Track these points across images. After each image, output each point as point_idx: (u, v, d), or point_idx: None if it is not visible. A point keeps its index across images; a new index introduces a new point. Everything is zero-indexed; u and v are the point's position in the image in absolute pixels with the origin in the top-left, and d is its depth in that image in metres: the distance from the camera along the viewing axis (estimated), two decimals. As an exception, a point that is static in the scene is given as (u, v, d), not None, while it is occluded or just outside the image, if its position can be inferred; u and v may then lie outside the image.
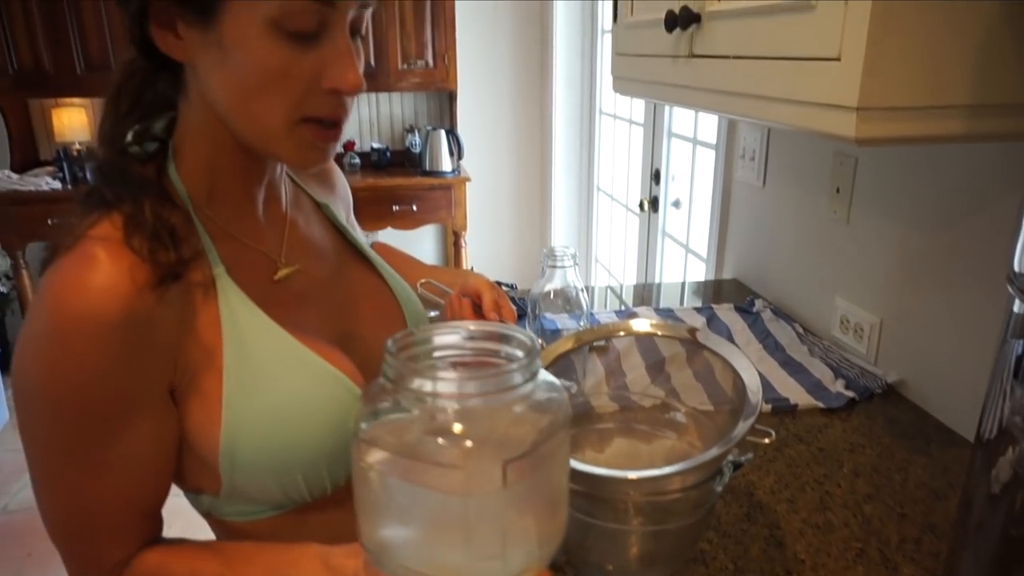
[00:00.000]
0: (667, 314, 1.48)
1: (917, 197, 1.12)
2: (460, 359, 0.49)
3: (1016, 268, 0.59)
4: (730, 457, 0.69)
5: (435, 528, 0.45)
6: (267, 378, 0.64)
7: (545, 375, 0.46)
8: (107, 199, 0.61)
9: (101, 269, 0.56)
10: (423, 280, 0.96)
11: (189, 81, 0.63)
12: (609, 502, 0.69)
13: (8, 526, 2.45)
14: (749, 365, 0.76)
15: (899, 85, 0.70)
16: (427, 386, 0.43)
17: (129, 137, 0.64)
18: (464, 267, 3.67)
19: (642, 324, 0.89)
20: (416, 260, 1.09)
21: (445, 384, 0.43)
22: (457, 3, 3.39)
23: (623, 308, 1.57)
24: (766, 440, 0.67)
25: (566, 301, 1.07)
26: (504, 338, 0.48)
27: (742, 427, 0.65)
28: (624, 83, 1.38)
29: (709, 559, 0.78)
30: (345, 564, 0.57)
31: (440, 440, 0.42)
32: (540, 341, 0.55)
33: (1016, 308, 0.56)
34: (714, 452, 0.64)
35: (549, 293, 1.07)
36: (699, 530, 0.74)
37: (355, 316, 0.78)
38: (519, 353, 0.46)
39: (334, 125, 0.63)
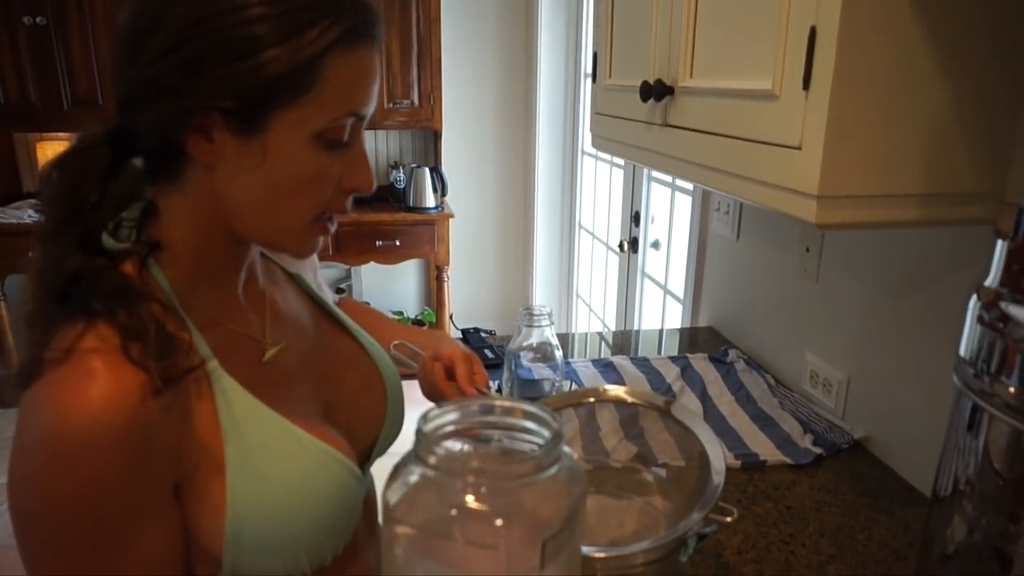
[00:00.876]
0: (643, 364, 1.52)
1: (882, 262, 1.16)
2: (487, 435, 0.52)
3: (961, 354, 0.62)
4: (695, 529, 0.72)
5: None
6: (269, 467, 0.65)
7: (565, 449, 0.49)
8: (97, 311, 0.58)
9: (101, 381, 0.55)
10: (396, 342, 0.98)
11: (192, 177, 0.62)
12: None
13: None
14: (717, 446, 0.79)
15: (856, 174, 0.74)
16: (458, 465, 0.45)
17: (106, 236, 0.62)
18: (446, 301, 3.70)
19: (617, 391, 0.92)
20: (387, 318, 1.12)
21: (476, 461, 0.45)
22: (444, 44, 3.46)
23: (599, 357, 1.60)
24: (728, 519, 0.69)
25: (542, 357, 1.10)
26: (530, 416, 0.50)
27: (696, 516, 0.68)
28: (601, 141, 1.42)
29: (677, 624, 0.81)
30: None
31: (473, 518, 0.44)
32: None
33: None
34: (675, 534, 0.67)
35: (526, 349, 1.11)
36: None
37: (338, 385, 0.80)
38: (545, 433, 0.49)
39: (334, 218, 0.68)
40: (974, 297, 0.60)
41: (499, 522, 0.44)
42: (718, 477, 0.72)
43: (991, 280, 0.59)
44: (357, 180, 0.65)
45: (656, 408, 0.89)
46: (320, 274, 0.97)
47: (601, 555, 0.65)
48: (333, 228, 0.68)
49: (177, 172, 0.63)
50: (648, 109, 1.14)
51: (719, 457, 0.76)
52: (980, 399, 0.59)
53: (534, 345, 1.11)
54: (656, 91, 1.06)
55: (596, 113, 1.44)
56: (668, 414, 0.86)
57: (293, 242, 0.67)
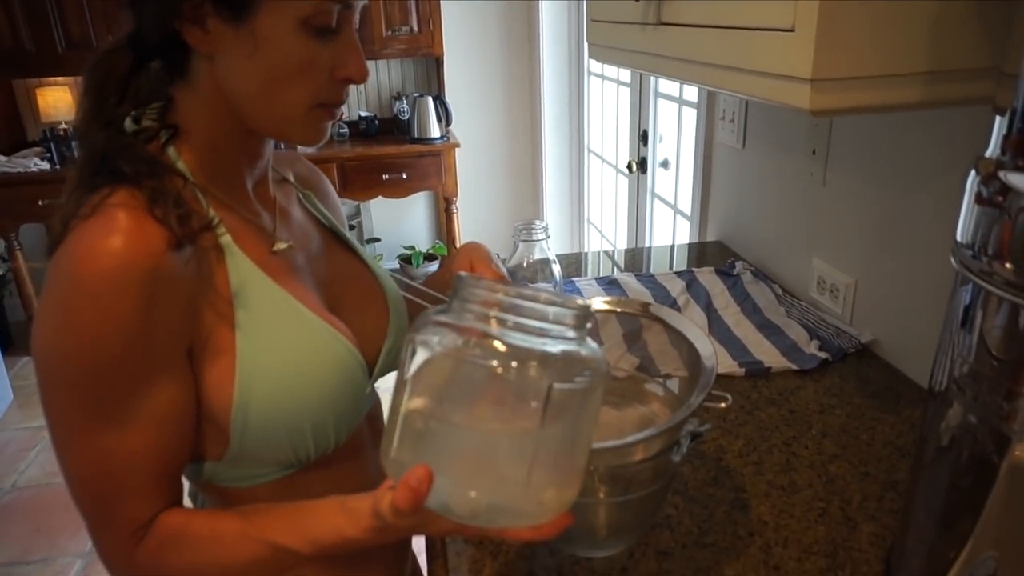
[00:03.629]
0: (648, 279, 1.50)
1: (890, 158, 1.12)
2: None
3: (958, 238, 0.60)
4: (688, 427, 0.71)
5: (472, 445, 0.49)
6: (276, 336, 0.69)
7: (592, 342, 0.51)
8: (125, 174, 0.63)
9: (126, 230, 0.59)
10: (406, 286, 0.96)
11: (198, 69, 0.67)
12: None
13: (16, 502, 2.52)
14: (700, 334, 0.78)
15: (853, 55, 0.70)
16: (488, 296, 0.49)
17: (129, 121, 0.68)
18: (456, 233, 3.68)
19: (596, 303, 0.90)
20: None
21: (510, 298, 0.48)
22: (440, -35, 3.33)
23: (602, 275, 1.59)
24: (722, 404, 0.68)
25: (538, 273, 1.09)
26: (558, 303, 0.52)
27: (696, 398, 0.67)
28: (599, 50, 1.37)
29: (675, 523, 0.81)
30: (360, 505, 0.59)
31: (491, 352, 0.48)
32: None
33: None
34: (668, 424, 0.66)
35: (522, 264, 1.09)
36: (661, 498, 0.77)
37: (340, 293, 0.81)
38: (576, 308, 0.51)
39: (337, 106, 0.70)
40: (972, 175, 0.57)
41: (514, 364, 0.47)
42: (709, 361, 0.71)
43: (990, 152, 0.55)
44: (350, 68, 0.66)
45: (639, 314, 0.87)
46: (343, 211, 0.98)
47: (596, 446, 0.64)
48: (338, 114, 0.70)
49: (186, 67, 0.67)
50: (642, 8, 1.09)
51: (706, 345, 0.75)
52: (979, 279, 0.56)
53: (531, 260, 1.10)
54: (648, -14, 1.01)
55: (592, 21, 1.38)
56: (649, 315, 0.85)
57: (298, 129, 0.69)
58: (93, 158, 0.65)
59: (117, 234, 0.59)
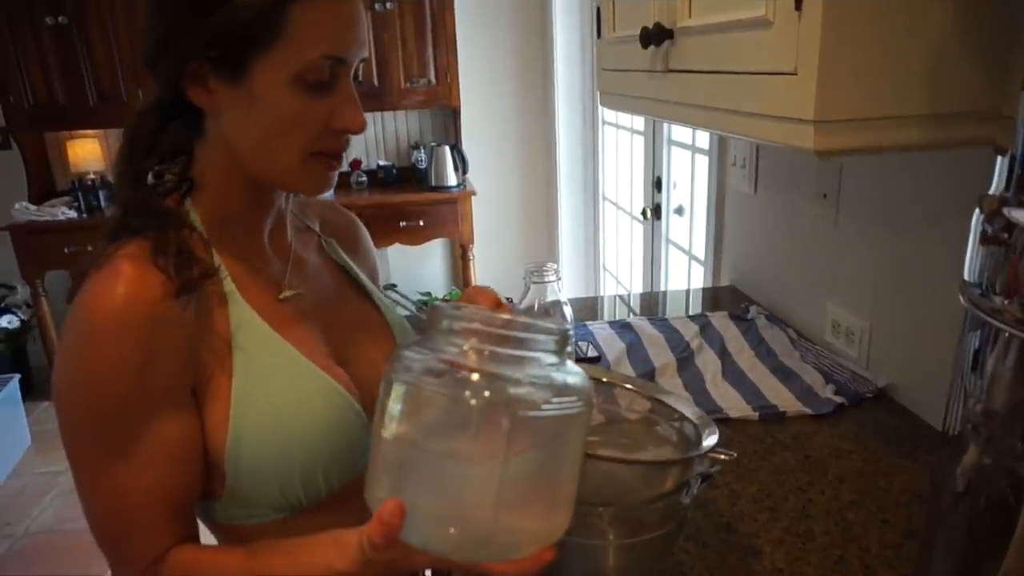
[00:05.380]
0: (661, 323, 1.49)
1: (901, 200, 1.12)
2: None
3: (966, 277, 0.60)
4: (698, 469, 0.70)
5: (444, 477, 0.49)
6: (270, 383, 0.71)
7: (574, 367, 0.51)
8: (134, 228, 0.68)
9: (128, 279, 0.64)
10: (388, 285, 0.99)
11: (209, 126, 0.71)
12: (583, 516, 0.70)
13: (29, 547, 2.50)
14: (697, 411, 0.78)
15: (854, 97, 0.71)
16: (459, 324, 0.48)
17: (151, 177, 0.73)
18: (472, 279, 3.70)
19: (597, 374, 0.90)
20: None
21: (478, 324, 0.48)
22: (458, 20, 3.43)
23: (616, 319, 1.58)
24: (723, 457, 0.68)
25: (549, 315, 1.09)
26: (540, 322, 0.52)
27: (706, 444, 0.67)
28: (610, 97, 1.40)
29: (686, 570, 0.79)
30: (350, 539, 0.60)
31: (461, 375, 0.48)
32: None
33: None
34: (666, 456, 0.65)
35: (533, 307, 1.09)
36: (671, 542, 0.75)
37: (349, 340, 0.82)
38: (554, 331, 0.50)
39: (337, 156, 0.73)
40: (976, 213, 0.57)
41: (487, 393, 0.47)
42: (712, 433, 0.71)
43: (993, 189, 0.56)
44: (345, 119, 0.69)
45: (630, 389, 0.87)
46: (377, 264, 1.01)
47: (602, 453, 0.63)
48: (337, 165, 0.73)
49: (200, 125, 0.72)
50: (650, 57, 1.11)
51: (697, 414, 0.76)
52: (989, 316, 0.56)
53: (541, 303, 1.10)
54: (656, 35, 1.04)
55: (603, 69, 1.41)
56: (642, 393, 0.84)
57: (297, 178, 0.72)
58: (118, 211, 0.71)
59: (120, 282, 0.63)
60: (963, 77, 0.71)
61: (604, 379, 0.86)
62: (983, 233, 0.56)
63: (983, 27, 0.69)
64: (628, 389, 0.86)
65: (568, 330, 0.51)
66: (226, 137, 0.70)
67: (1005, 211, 0.53)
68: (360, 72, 0.73)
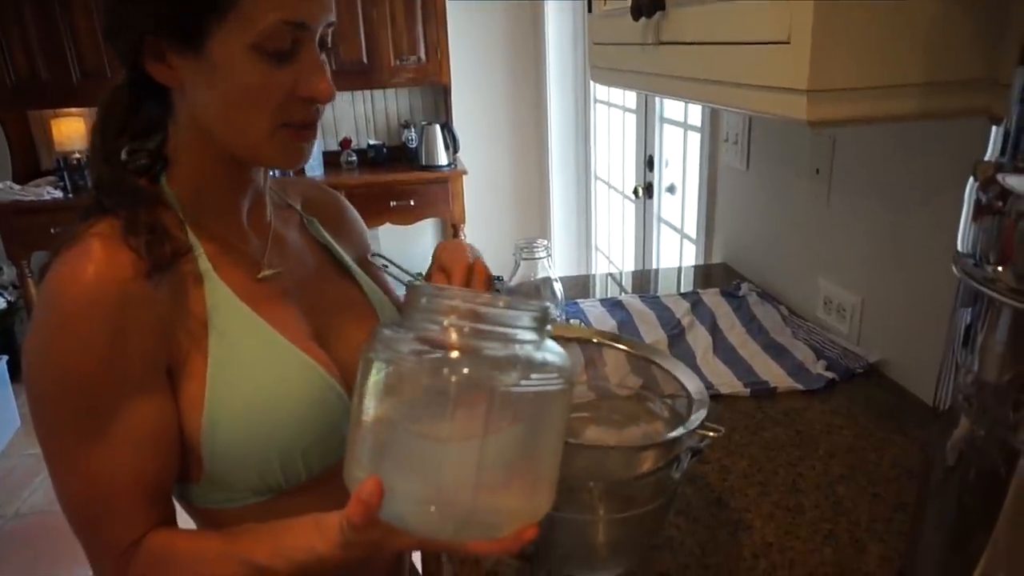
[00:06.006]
0: (652, 300, 1.49)
1: (894, 174, 1.11)
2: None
3: (959, 248, 0.59)
4: (688, 444, 0.70)
5: (423, 456, 0.48)
6: (246, 364, 0.69)
7: (554, 345, 0.50)
8: (106, 206, 0.67)
9: (97, 259, 0.62)
10: (372, 254, 0.94)
11: (177, 103, 0.70)
12: (574, 492, 0.70)
13: (19, 530, 2.50)
14: (691, 375, 0.77)
15: (849, 66, 0.70)
16: (438, 302, 0.48)
17: (124, 155, 0.71)
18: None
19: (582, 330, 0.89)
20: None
21: (457, 302, 0.48)
22: (448, -4, 3.39)
23: (608, 296, 1.57)
24: (711, 434, 0.67)
25: (539, 292, 1.08)
26: (519, 300, 0.52)
27: (694, 418, 0.66)
28: (601, 72, 1.37)
29: (676, 545, 0.79)
30: (331, 521, 0.59)
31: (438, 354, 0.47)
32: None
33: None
34: (660, 439, 0.65)
35: (523, 284, 1.08)
36: (662, 517, 0.75)
37: (331, 319, 0.81)
38: (533, 309, 0.50)
39: (308, 127, 0.70)
40: (971, 180, 0.56)
41: (466, 370, 0.46)
42: (700, 395, 0.70)
43: (988, 159, 0.55)
44: (311, 87, 0.67)
45: (626, 351, 0.86)
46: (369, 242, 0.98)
47: (579, 442, 0.63)
48: (309, 136, 0.70)
49: (168, 102, 0.70)
50: (641, 29, 1.09)
51: (694, 381, 0.75)
52: (982, 286, 0.55)
53: (532, 280, 1.09)
54: (647, 6, 1.02)
55: (593, 44, 1.39)
56: (636, 354, 0.84)
57: (268, 151, 0.69)
58: (93, 190, 0.70)
59: (90, 261, 0.62)
60: (958, 45, 0.69)
61: (595, 339, 0.85)
62: (977, 202, 0.56)
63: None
64: (620, 349, 0.85)
65: (548, 307, 0.50)
66: (193, 113, 0.69)
67: (999, 177, 0.52)
68: (330, 39, 0.70)
